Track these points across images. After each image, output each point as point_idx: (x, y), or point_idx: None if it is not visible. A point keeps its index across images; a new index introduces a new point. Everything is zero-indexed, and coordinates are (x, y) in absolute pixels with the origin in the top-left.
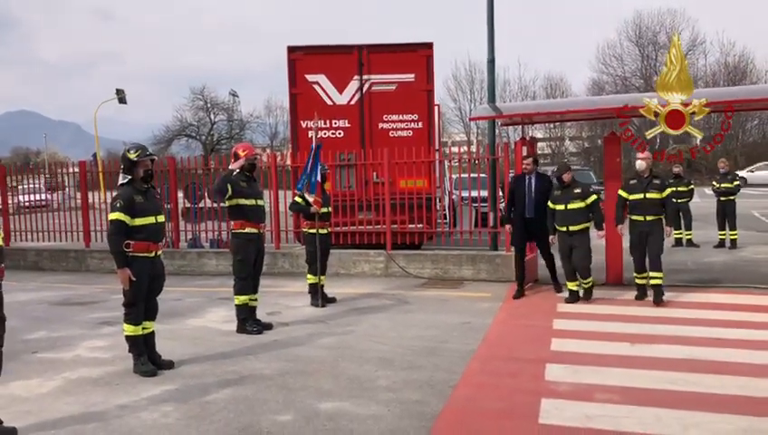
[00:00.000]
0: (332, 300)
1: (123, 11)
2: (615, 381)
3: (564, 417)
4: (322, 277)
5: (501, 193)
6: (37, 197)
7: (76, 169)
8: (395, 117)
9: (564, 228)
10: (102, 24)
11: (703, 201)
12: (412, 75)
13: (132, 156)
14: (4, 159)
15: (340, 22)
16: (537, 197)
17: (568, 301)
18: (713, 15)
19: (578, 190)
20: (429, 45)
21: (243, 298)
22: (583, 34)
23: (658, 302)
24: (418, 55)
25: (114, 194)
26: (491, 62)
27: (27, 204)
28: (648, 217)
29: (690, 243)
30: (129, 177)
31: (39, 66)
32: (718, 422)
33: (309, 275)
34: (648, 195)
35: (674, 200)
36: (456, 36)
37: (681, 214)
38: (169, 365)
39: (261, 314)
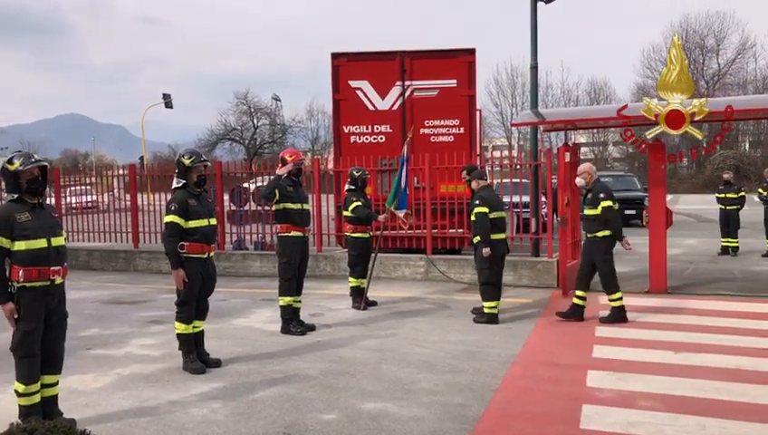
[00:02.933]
0: (374, 303)
1: (167, 16)
2: (658, 389)
3: (606, 423)
4: (363, 280)
5: (543, 199)
6: (86, 198)
7: (123, 172)
8: (436, 122)
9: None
10: (147, 28)
11: (751, 209)
12: (454, 81)
13: (187, 161)
14: (55, 161)
15: (380, 26)
16: None
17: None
18: (763, 18)
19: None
20: (472, 51)
21: (287, 299)
22: (629, 38)
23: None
24: (460, 61)
25: (169, 198)
26: (534, 68)
27: (77, 205)
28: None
29: (735, 251)
30: (184, 181)
31: (88, 71)
32: (765, 433)
33: (351, 279)
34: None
35: (722, 208)
36: (498, 40)
37: (729, 221)
38: (217, 364)
39: (304, 316)
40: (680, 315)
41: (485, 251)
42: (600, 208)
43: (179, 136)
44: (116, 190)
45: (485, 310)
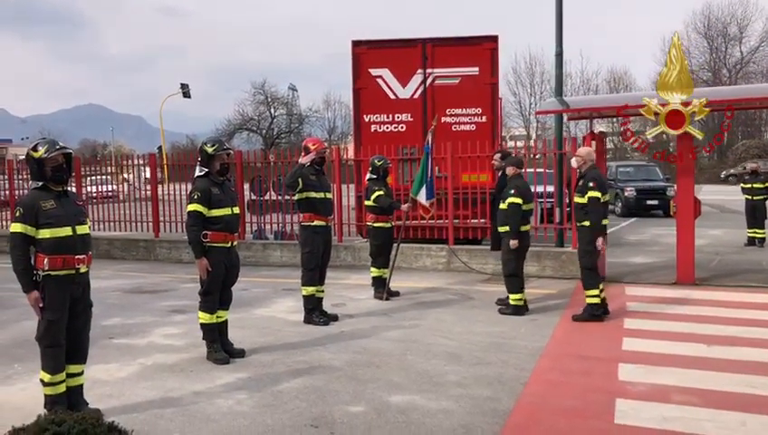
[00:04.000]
0: (396, 294)
1: (186, 6)
2: (693, 383)
3: (641, 418)
4: (385, 271)
5: (567, 189)
6: (106, 187)
7: (142, 162)
8: (458, 111)
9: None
10: (166, 19)
11: None
12: (476, 68)
13: (209, 149)
14: (74, 151)
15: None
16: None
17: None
18: None
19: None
20: (494, 38)
21: (310, 289)
22: (649, 26)
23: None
24: (483, 48)
25: (191, 186)
26: (559, 55)
27: (96, 194)
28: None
29: (761, 242)
30: (206, 169)
31: (106, 61)
32: None
33: (373, 269)
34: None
35: (748, 198)
36: (516, 29)
37: (756, 212)
38: (241, 354)
39: (326, 306)
40: (710, 307)
41: (513, 243)
42: (586, 197)
43: (197, 126)
44: (135, 179)
45: (511, 301)
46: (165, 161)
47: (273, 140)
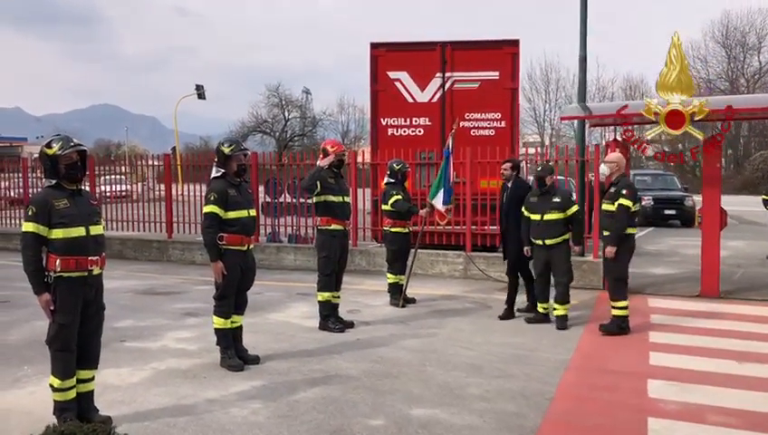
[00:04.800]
0: (412, 301)
1: (199, 7)
2: (728, 403)
3: None
4: (401, 277)
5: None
6: (120, 187)
7: (156, 163)
8: (477, 115)
9: (540, 242)
10: (180, 20)
11: None
12: (496, 73)
13: (226, 150)
14: (89, 150)
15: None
16: (506, 208)
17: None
18: None
19: (557, 199)
20: (516, 42)
21: (326, 295)
22: (666, 34)
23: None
24: (504, 52)
25: (207, 187)
26: (583, 59)
27: (110, 194)
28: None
29: None
30: (223, 170)
31: (121, 61)
32: None
33: (389, 275)
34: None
35: None
36: (531, 36)
37: None
38: (255, 360)
39: (341, 312)
40: (737, 322)
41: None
42: (616, 205)
43: (211, 128)
44: (148, 180)
45: (540, 309)
46: (179, 162)
47: (286, 143)
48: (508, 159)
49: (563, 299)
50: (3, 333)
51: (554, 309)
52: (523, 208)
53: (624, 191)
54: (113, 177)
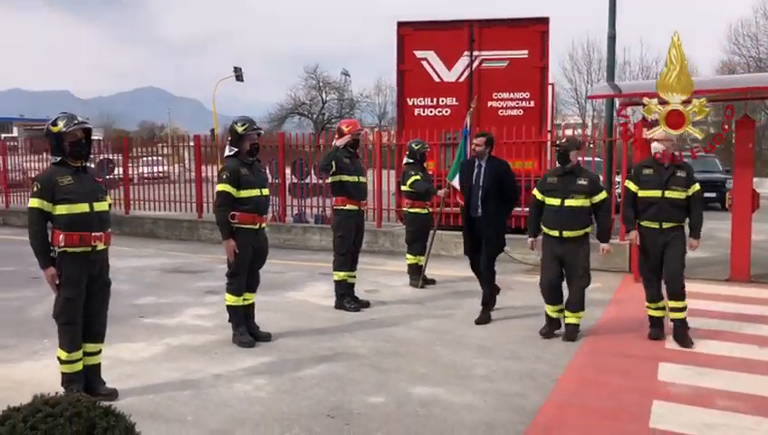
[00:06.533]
0: (432, 281)
1: None
2: (740, 388)
3: (679, 422)
4: (421, 258)
5: (617, 178)
6: (157, 168)
7: (192, 144)
8: (505, 95)
9: (556, 233)
10: (222, 2)
11: None
12: (525, 51)
13: (239, 129)
14: (132, 132)
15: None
16: (486, 189)
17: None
18: None
19: (583, 182)
20: (545, 20)
21: (341, 274)
22: (714, 11)
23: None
24: (532, 30)
25: (221, 166)
26: (611, 38)
27: (147, 175)
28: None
29: None
30: (236, 149)
31: (165, 45)
32: None
33: (408, 255)
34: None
35: None
36: (573, 14)
37: None
38: (266, 337)
39: (359, 292)
40: (764, 306)
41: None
42: (692, 191)
43: (252, 110)
44: (186, 161)
45: (551, 313)
46: (216, 143)
47: (323, 125)
48: (480, 133)
49: (578, 306)
50: (29, 308)
51: (565, 317)
52: (535, 191)
53: (694, 175)
54: (151, 158)
